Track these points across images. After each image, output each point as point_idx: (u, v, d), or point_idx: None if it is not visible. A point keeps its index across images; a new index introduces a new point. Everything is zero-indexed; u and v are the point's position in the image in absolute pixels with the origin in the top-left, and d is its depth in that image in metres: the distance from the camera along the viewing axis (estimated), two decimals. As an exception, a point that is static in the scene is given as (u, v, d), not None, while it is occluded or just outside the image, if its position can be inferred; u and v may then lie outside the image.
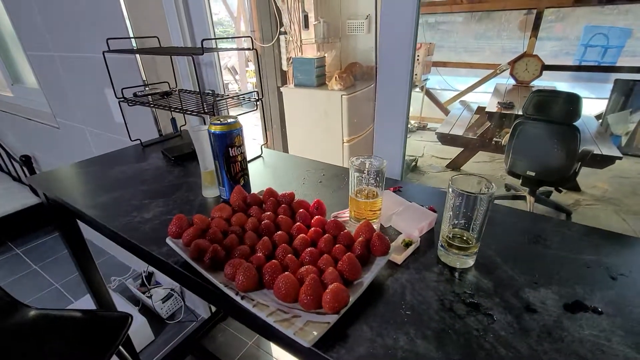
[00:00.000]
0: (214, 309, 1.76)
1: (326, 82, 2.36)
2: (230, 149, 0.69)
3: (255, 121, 4.21)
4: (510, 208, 0.71)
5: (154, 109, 1.27)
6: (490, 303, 0.48)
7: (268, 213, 0.63)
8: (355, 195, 0.62)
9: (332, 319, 0.44)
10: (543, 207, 2.00)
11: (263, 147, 1.05)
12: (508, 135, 1.90)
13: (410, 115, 0.90)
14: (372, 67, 2.49)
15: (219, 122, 0.68)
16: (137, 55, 1.20)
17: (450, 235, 0.55)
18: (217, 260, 0.53)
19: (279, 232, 0.58)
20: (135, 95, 1.05)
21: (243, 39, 1.76)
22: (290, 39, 2.44)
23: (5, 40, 2.12)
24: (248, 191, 0.75)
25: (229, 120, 0.68)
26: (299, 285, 0.47)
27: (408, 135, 0.92)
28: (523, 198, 1.99)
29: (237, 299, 0.48)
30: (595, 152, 1.80)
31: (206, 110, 0.85)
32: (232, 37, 2.38)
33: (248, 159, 0.81)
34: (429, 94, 3.42)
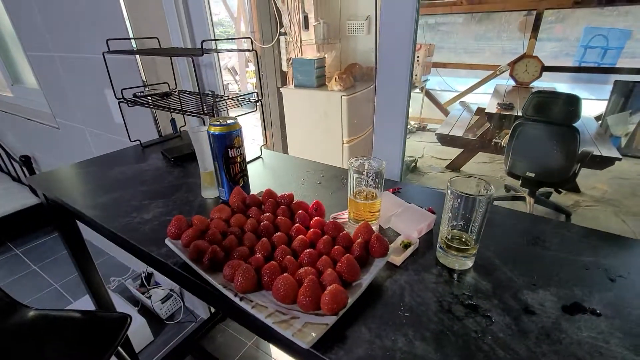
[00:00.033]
0: (213, 309, 1.75)
1: (326, 83, 2.36)
2: (229, 150, 0.69)
3: (255, 122, 4.21)
4: (509, 209, 0.71)
5: (153, 110, 1.27)
6: (489, 305, 0.48)
7: (267, 214, 0.63)
8: (354, 196, 0.62)
9: (331, 320, 0.44)
10: (543, 208, 2.00)
11: (263, 147, 1.05)
12: (508, 136, 1.90)
13: (410, 116, 0.90)
14: (372, 68, 2.49)
15: (218, 123, 0.68)
16: (137, 56, 1.20)
17: (449, 237, 0.55)
18: (216, 261, 0.53)
19: (278, 233, 0.58)
20: (135, 96, 1.05)
21: (243, 39, 1.76)
22: (290, 39, 2.45)
23: (5, 40, 2.12)
24: (247, 192, 0.75)
25: (229, 122, 0.68)
26: (298, 287, 0.47)
27: (408, 136, 0.92)
28: (523, 199, 2.00)
29: (236, 300, 0.48)
30: (594, 154, 1.80)
31: (206, 111, 0.85)
32: (232, 38, 2.38)
33: (247, 159, 0.81)
34: (429, 94, 3.42)
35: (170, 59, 1.20)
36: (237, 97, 0.99)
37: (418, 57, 2.93)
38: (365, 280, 0.50)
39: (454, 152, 2.57)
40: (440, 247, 0.57)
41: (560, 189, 1.95)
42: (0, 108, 2.33)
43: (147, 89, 1.16)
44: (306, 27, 2.41)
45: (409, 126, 0.91)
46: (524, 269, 0.54)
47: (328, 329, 0.43)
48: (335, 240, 0.56)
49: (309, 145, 2.48)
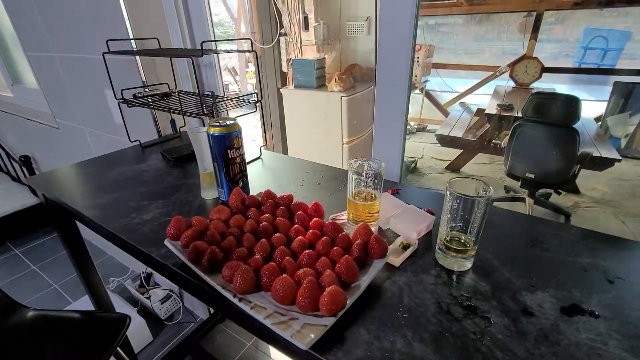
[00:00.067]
0: (212, 310, 1.75)
1: (326, 84, 2.36)
2: (229, 150, 0.69)
3: (255, 122, 4.21)
4: (508, 211, 0.71)
5: (153, 110, 1.27)
6: (488, 306, 0.48)
7: (266, 215, 0.63)
8: (353, 197, 0.62)
9: (330, 321, 0.44)
10: (542, 209, 2.00)
11: (262, 148, 1.06)
12: (507, 137, 1.90)
13: (410, 116, 0.90)
14: (371, 68, 2.49)
15: (217, 124, 0.68)
16: (137, 57, 1.20)
17: (448, 238, 0.55)
18: (215, 262, 0.53)
19: (277, 234, 0.58)
20: (134, 96, 1.05)
21: (243, 40, 1.76)
22: (290, 40, 2.45)
23: (6, 40, 2.12)
24: (247, 193, 0.75)
25: (228, 122, 0.69)
26: (297, 288, 0.47)
27: (408, 137, 0.92)
28: (522, 200, 1.99)
29: (235, 301, 0.48)
30: (594, 155, 1.80)
31: (205, 112, 0.85)
32: (232, 39, 2.38)
33: (247, 160, 0.81)
34: (428, 95, 3.42)
35: (170, 59, 1.20)
36: (237, 97, 0.99)
37: (418, 57, 2.93)
38: (364, 281, 0.50)
39: (453, 153, 2.57)
40: (439, 249, 0.57)
41: (559, 190, 1.95)
42: (0, 108, 2.33)
43: (147, 90, 1.16)
44: (306, 27, 2.41)
45: (409, 127, 0.91)
46: (523, 270, 0.54)
47: (327, 330, 0.43)
48: (335, 242, 0.56)
49: (308, 145, 2.48)
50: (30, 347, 0.91)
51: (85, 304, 1.63)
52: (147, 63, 1.22)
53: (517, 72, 2.55)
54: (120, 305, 1.66)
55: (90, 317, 0.98)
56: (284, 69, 2.54)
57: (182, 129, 1.28)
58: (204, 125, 0.98)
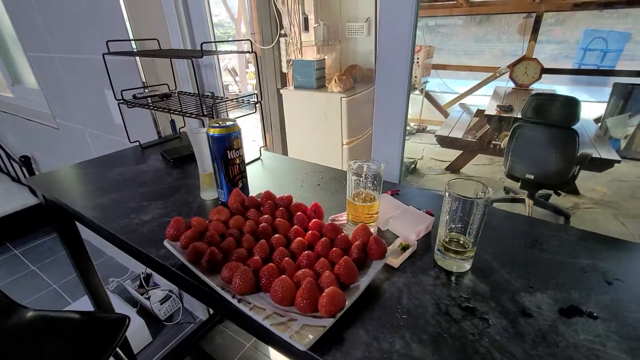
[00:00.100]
0: (212, 311, 1.75)
1: (326, 85, 2.37)
2: (228, 151, 0.70)
3: (255, 123, 4.21)
4: (507, 212, 0.71)
5: (153, 111, 1.28)
6: (486, 307, 0.48)
7: (266, 216, 0.63)
8: (352, 198, 0.62)
9: (328, 322, 0.44)
10: (542, 210, 2.00)
11: (262, 149, 1.06)
12: (507, 138, 1.90)
13: (410, 117, 0.91)
14: (371, 69, 2.50)
15: (217, 124, 0.68)
16: (137, 57, 1.20)
17: (447, 239, 0.55)
18: (215, 263, 0.53)
19: (276, 235, 0.58)
20: (134, 97, 1.05)
21: (243, 41, 1.76)
22: (290, 41, 2.45)
23: (6, 40, 2.12)
24: (246, 194, 0.75)
25: (228, 123, 0.69)
26: (296, 289, 0.47)
27: (408, 138, 0.92)
28: (522, 201, 1.99)
29: (234, 302, 0.48)
30: (594, 156, 1.80)
31: (205, 113, 0.85)
32: (232, 40, 2.38)
33: (247, 161, 0.82)
34: (428, 96, 3.42)
35: (170, 60, 1.20)
36: (237, 98, 0.99)
37: (418, 58, 2.93)
38: (363, 282, 0.50)
39: (453, 154, 2.57)
40: (439, 250, 0.57)
41: (559, 191, 1.95)
42: (0, 108, 2.33)
43: (146, 90, 1.17)
44: (306, 28, 2.41)
45: (409, 128, 0.91)
46: (522, 271, 0.54)
47: (325, 331, 0.43)
48: (334, 243, 0.56)
49: (308, 146, 2.48)
50: (30, 347, 0.91)
51: (84, 304, 1.63)
52: (147, 64, 1.23)
53: (517, 73, 2.55)
54: (120, 306, 1.66)
55: (90, 317, 0.98)
56: (284, 70, 2.54)
57: (182, 130, 1.28)
58: (203, 126, 0.99)
